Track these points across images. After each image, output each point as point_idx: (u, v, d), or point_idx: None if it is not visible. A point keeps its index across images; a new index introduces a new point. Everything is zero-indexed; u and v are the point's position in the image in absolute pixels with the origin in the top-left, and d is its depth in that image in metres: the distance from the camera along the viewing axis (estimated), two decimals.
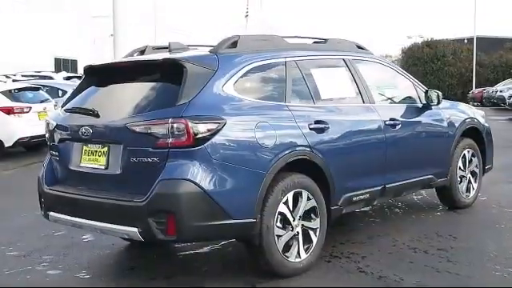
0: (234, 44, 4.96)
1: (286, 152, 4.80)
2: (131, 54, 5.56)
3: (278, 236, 4.73)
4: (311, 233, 5.03)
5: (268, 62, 5.10)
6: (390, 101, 6.35)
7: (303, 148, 4.96)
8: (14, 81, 16.74)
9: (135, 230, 4.39)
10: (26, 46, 33.90)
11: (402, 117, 6.08)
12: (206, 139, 4.37)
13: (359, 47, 6.24)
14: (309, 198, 4.99)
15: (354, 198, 5.49)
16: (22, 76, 20.04)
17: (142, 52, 5.55)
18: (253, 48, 5.06)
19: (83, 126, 4.79)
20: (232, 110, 4.61)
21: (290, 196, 4.84)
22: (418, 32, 65.62)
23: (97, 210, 4.67)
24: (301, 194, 4.93)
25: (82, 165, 4.89)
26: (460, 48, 43.90)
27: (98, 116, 4.78)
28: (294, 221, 4.87)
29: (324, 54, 5.79)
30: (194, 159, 4.34)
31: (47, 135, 5.31)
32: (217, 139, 4.41)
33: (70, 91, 15.19)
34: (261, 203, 4.60)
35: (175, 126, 4.31)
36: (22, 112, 12.96)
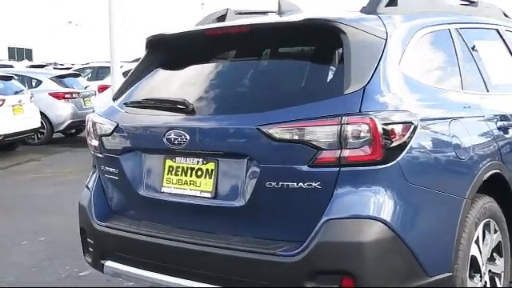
0: (394, 1, 3.22)
1: (483, 164, 3.16)
2: (206, 22, 3.74)
3: None
4: (496, 280, 3.40)
5: (436, 29, 3.39)
6: None
7: (494, 157, 3.32)
8: None
9: None
10: None
11: None
12: (398, 150, 2.65)
13: (505, 15, 4.60)
14: (495, 231, 3.38)
15: None
16: None
17: (223, 18, 3.76)
18: (415, 8, 3.35)
19: (170, 128, 2.98)
20: (418, 102, 2.90)
21: (480, 230, 3.22)
22: None
23: (200, 265, 2.89)
24: (488, 225, 3.30)
25: (165, 190, 3.09)
26: None
27: (192, 112, 2.98)
28: (482, 265, 3.24)
29: (480, 22, 4.10)
30: (381, 184, 2.62)
31: (94, 142, 3.47)
32: (411, 150, 2.70)
33: (45, 80, 13.49)
34: (458, 245, 2.94)
35: (353, 128, 2.58)
36: None
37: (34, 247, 5.47)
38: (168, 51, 3.45)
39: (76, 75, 14.99)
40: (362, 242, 2.54)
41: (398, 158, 2.62)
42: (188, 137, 2.90)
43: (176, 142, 2.94)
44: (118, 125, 3.25)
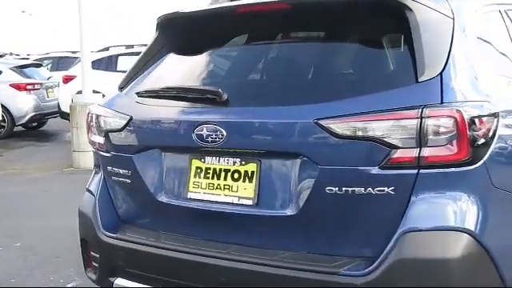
0: None
1: None
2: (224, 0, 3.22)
3: None
4: None
5: (491, 9, 2.98)
6: None
7: None
8: None
9: None
10: None
11: None
12: (485, 148, 2.22)
13: None
14: None
15: None
16: None
17: None
18: None
19: (201, 123, 2.49)
20: (495, 90, 2.47)
21: None
22: None
23: (237, 284, 2.42)
24: None
25: (191, 195, 2.60)
26: None
27: (227, 104, 2.49)
28: None
29: None
30: (467, 188, 2.19)
31: (97, 139, 2.95)
32: (495, 147, 2.28)
33: (5, 70, 12.62)
34: None
35: (435, 122, 2.14)
36: None
37: (10, 255, 4.89)
38: (186, 33, 2.93)
39: (38, 65, 14.23)
40: (448, 259, 2.11)
41: (485, 158, 2.20)
42: (225, 133, 2.42)
43: (209, 139, 2.45)
44: (131, 118, 2.74)
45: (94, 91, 9.14)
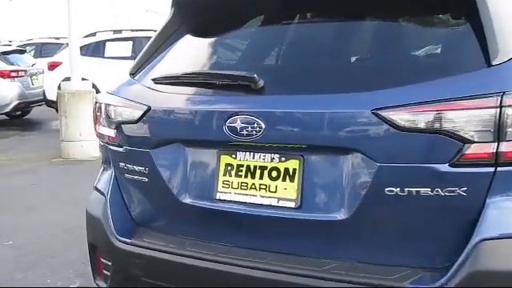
0: None
1: None
2: None
3: None
4: None
5: None
6: None
7: None
8: None
9: None
10: None
11: None
12: None
13: None
14: None
15: None
16: None
17: None
18: None
19: (234, 113, 2.15)
20: None
21: None
22: None
23: None
24: None
25: (221, 196, 2.27)
26: None
27: (264, 92, 2.16)
28: None
29: None
30: None
31: (107, 131, 2.61)
32: None
33: None
34: None
35: None
36: None
37: (1, 255, 4.53)
38: (208, 9, 2.59)
39: (21, 51, 13.76)
40: None
41: None
42: (264, 125, 2.09)
43: (244, 132, 2.12)
44: (149, 109, 2.39)
45: (82, 78, 8.74)
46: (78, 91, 8.50)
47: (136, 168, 2.46)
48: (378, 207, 1.97)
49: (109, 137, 2.60)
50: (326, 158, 2.08)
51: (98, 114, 2.65)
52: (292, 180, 2.12)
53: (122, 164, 2.54)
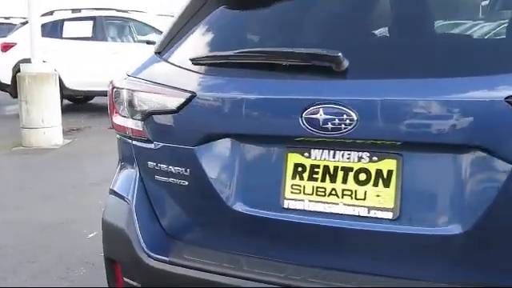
0: None
1: None
2: None
3: None
4: None
5: None
6: None
7: None
8: None
9: None
10: None
11: None
12: None
13: None
14: None
15: None
16: None
17: None
18: None
19: (315, 102, 1.71)
20: None
21: None
22: None
23: None
24: None
25: (289, 204, 1.82)
26: None
27: (346, 75, 1.72)
28: None
29: None
30: None
31: (130, 123, 2.12)
32: None
33: None
34: None
35: None
36: None
37: None
38: None
39: None
40: None
41: None
42: (355, 116, 1.66)
43: (330, 126, 1.68)
44: (193, 96, 1.92)
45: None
46: (40, 74, 7.85)
47: (172, 169, 1.99)
48: (507, 219, 1.58)
49: (132, 130, 2.11)
50: (434, 158, 1.66)
51: (117, 100, 2.16)
52: (387, 185, 1.70)
53: (151, 163, 2.06)
